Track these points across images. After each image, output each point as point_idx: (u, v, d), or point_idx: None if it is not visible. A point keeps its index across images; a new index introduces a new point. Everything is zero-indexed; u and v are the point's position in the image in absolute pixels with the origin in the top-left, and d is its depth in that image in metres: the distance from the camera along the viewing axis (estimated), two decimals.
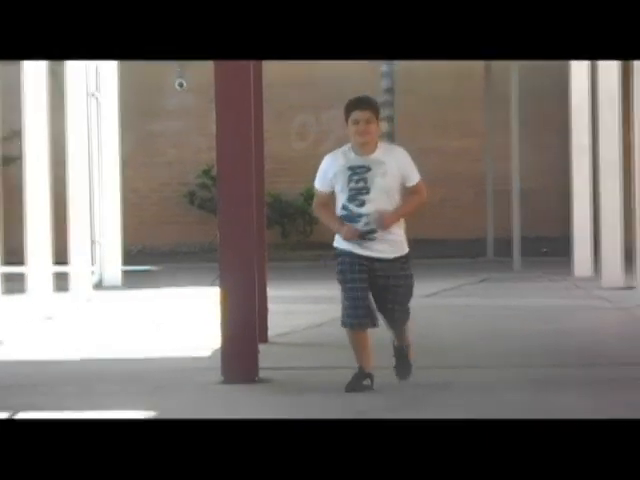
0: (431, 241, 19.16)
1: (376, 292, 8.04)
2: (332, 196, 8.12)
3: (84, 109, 15.67)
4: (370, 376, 8.00)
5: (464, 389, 8.81)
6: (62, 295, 14.06)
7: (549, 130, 17.76)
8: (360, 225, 7.92)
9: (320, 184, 8.16)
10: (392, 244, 8.05)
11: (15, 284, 12.77)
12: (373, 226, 7.90)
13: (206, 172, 18.20)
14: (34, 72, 13.23)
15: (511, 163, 17.63)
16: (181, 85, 19.84)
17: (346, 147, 8.09)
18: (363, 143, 7.96)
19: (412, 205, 8.28)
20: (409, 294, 8.25)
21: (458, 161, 19.59)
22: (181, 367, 9.91)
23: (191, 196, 19.69)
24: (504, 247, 17.86)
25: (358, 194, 7.92)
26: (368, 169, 7.90)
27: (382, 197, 7.93)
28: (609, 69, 15.18)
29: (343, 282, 8.01)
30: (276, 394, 8.55)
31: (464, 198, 19.33)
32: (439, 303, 14.11)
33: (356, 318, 7.92)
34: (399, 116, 19.61)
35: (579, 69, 16.09)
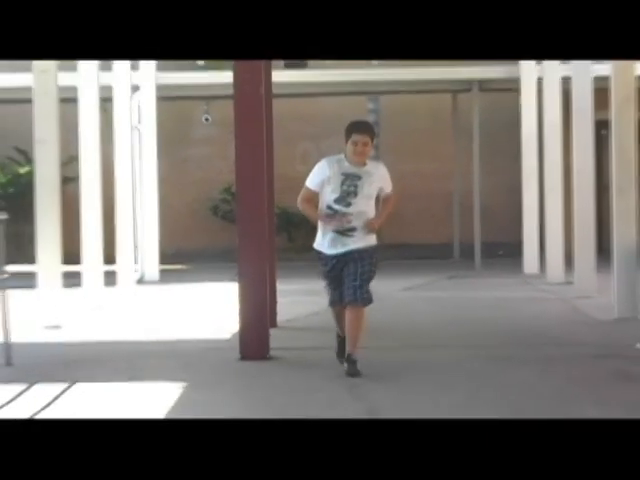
0: (409, 245, 19.19)
1: (347, 271, 7.97)
2: (316, 195, 8.03)
3: (129, 138, 15.73)
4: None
5: (435, 363, 8.90)
6: (110, 289, 14.09)
7: (504, 156, 17.76)
8: (345, 222, 7.87)
9: (310, 183, 8.04)
10: (363, 241, 7.96)
11: (72, 280, 12.79)
12: (355, 225, 7.86)
13: (227, 190, 18.16)
14: (88, 109, 13.31)
15: (473, 183, 17.71)
16: (207, 119, 19.87)
17: (340, 156, 8.02)
18: (359, 161, 7.92)
19: (388, 211, 8.26)
20: (370, 277, 8.03)
21: (431, 181, 19.59)
22: (207, 347, 9.96)
23: (215, 209, 19.64)
24: (467, 250, 17.82)
25: (347, 196, 7.84)
26: (359, 177, 7.85)
27: (364, 201, 7.91)
28: (553, 105, 15.28)
29: (326, 273, 8.09)
30: (284, 368, 8.65)
31: (436, 210, 19.34)
32: (415, 295, 14.07)
33: (336, 298, 8.07)
34: (383, 145, 19.58)
35: (528, 106, 16.15)
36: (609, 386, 7.91)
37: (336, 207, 7.86)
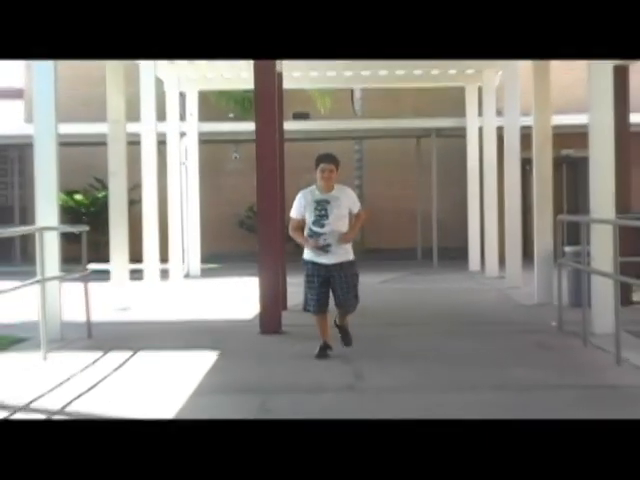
0: (384, 249, 19.18)
1: (334, 285, 7.48)
2: (302, 222, 7.57)
3: (178, 171, 15.74)
4: (329, 346, 7.60)
5: (403, 336, 8.95)
6: (164, 282, 14.10)
7: (454, 183, 17.73)
8: (321, 240, 7.44)
9: (294, 214, 7.60)
10: (341, 253, 7.49)
11: (136, 275, 12.83)
12: (330, 241, 7.42)
13: (250, 208, 18.13)
14: (148, 149, 13.33)
15: (431, 203, 17.72)
16: (236, 157, 19.92)
17: (313, 188, 7.59)
18: (326, 186, 7.48)
19: (357, 227, 7.72)
20: (355, 286, 7.57)
21: (400, 202, 19.56)
22: (235, 324, 9.96)
23: (241, 223, 19.63)
24: (427, 253, 17.82)
25: (320, 219, 7.42)
26: (328, 202, 7.43)
27: (337, 221, 7.43)
28: (490, 146, 15.30)
29: (309, 284, 7.53)
30: (292, 340, 8.64)
31: (403, 223, 19.30)
32: (387, 286, 14.06)
33: (319, 307, 7.50)
34: (365, 176, 19.65)
35: (472, 147, 16.14)
36: (531, 353, 7.94)
37: (314, 228, 7.47)
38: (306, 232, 7.56)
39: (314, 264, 7.49)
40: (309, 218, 7.49)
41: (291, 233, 7.69)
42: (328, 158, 7.57)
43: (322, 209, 7.42)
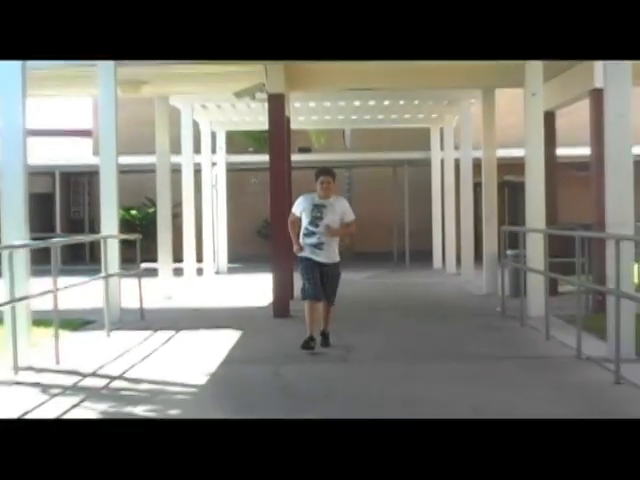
0: (368, 252, 19.14)
1: (323, 280, 6.86)
2: (298, 219, 6.98)
3: (210, 193, 15.66)
4: (314, 338, 6.78)
5: (382, 319, 8.91)
6: (199, 277, 14.03)
7: (422, 202, 17.65)
8: (315, 238, 6.81)
9: (294, 210, 7.03)
10: (332, 255, 6.91)
11: (178, 272, 12.81)
12: (322, 240, 6.81)
13: (265, 220, 18.07)
14: (187, 176, 13.33)
15: (404, 217, 17.70)
16: (254, 182, 19.90)
17: (314, 194, 6.95)
18: (324, 194, 6.89)
19: (347, 230, 7.13)
20: (337, 284, 7.03)
21: (380, 216, 19.44)
22: (254, 310, 9.89)
23: (259, 232, 19.56)
24: (401, 255, 17.78)
25: (316, 220, 6.83)
26: (324, 206, 6.85)
27: (330, 223, 6.84)
28: (449, 173, 15.28)
29: (306, 275, 6.83)
30: (298, 322, 8.44)
31: (383, 232, 19.21)
32: (371, 281, 14.00)
33: (316, 295, 6.77)
34: (353, 196, 19.58)
35: (436, 174, 16.06)
36: (480, 332, 7.93)
37: (309, 227, 6.85)
38: (302, 230, 6.97)
39: (310, 260, 6.88)
40: (306, 218, 6.90)
41: (289, 225, 7.14)
42: (325, 172, 7.06)
43: (318, 212, 6.87)
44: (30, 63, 6.66)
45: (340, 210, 6.97)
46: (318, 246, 6.86)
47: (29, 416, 4.78)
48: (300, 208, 6.96)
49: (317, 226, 6.85)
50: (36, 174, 14.90)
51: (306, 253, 6.91)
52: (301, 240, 6.91)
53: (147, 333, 7.98)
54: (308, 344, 6.71)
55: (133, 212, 19.26)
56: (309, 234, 6.90)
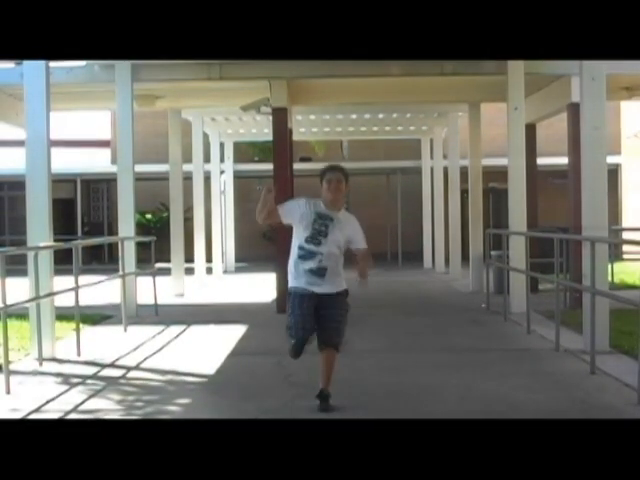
0: None
1: (323, 319, 4.52)
2: (275, 212, 4.55)
3: (218, 198, 15.65)
4: (325, 394, 4.57)
5: (377, 315, 8.86)
6: (209, 276, 13.97)
7: (413, 206, 17.64)
8: (315, 262, 4.46)
9: (286, 209, 4.59)
10: (336, 281, 4.57)
11: (189, 271, 12.79)
12: (325, 264, 4.47)
13: (270, 224, 18.06)
14: (198, 183, 13.27)
15: (397, 220, 17.72)
16: (259, 189, 19.75)
17: (318, 201, 4.56)
18: (333, 200, 4.51)
19: (367, 262, 4.63)
20: (344, 321, 4.64)
21: (375, 219, 19.34)
22: (259, 306, 9.85)
23: (263, 235, 19.41)
24: (394, 256, 17.80)
25: (318, 235, 4.48)
26: (331, 220, 4.50)
27: (333, 245, 4.50)
28: (438, 180, 15.21)
29: (292, 309, 4.53)
30: None
31: (377, 235, 19.10)
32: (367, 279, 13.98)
33: (302, 331, 4.48)
34: (350, 202, 19.36)
35: (426, 181, 15.95)
36: (467, 326, 7.92)
37: (307, 247, 4.49)
38: (294, 255, 4.56)
39: (306, 294, 4.49)
40: (304, 232, 4.52)
41: (262, 204, 4.59)
42: (334, 167, 4.72)
43: (322, 224, 4.51)
44: (54, 79, 6.67)
45: (349, 231, 4.61)
46: (319, 272, 4.51)
47: (52, 403, 4.79)
48: (298, 213, 4.56)
49: (319, 244, 4.51)
50: (59, 181, 14.91)
51: (299, 282, 4.53)
52: (291, 267, 4.60)
53: (161, 327, 7.98)
54: (324, 404, 4.50)
55: (148, 216, 19.23)
56: (306, 255, 4.51)
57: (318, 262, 4.48)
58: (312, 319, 4.50)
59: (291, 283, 4.59)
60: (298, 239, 4.57)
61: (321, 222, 4.52)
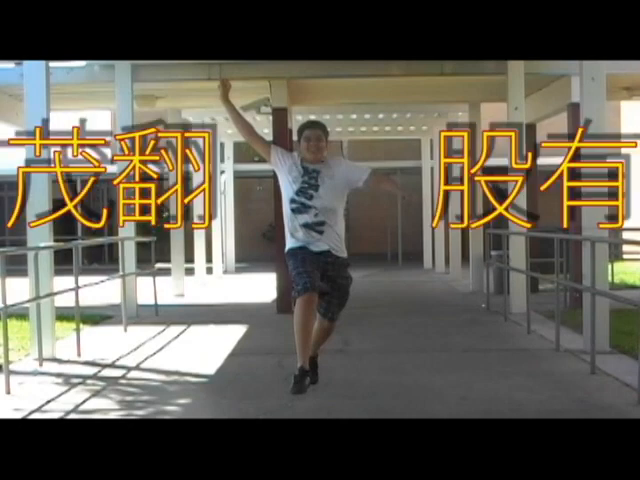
0: (364, 253, 19.10)
1: (334, 290, 4.38)
2: (261, 140, 4.56)
3: (219, 198, 15.66)
4: (308, 373, 4.26)
5: (377, 314, 8.88)
6: (209, 276, 13.98)
7: (413, 207, 17.56)
8: (311, 215, 4.20)
9: (277, 146, 4.50)
10: (336, 243, 4.27)
11: (189, 271, 12.79)
12: (322, 218, 4.20)
13: (270, 224, 17.95)
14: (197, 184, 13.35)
15: (397, 221, 17.70)
16: (259, 189, 19.87)
17: (295, 154, 4.39)
18: (314, 159, 4.29)
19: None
20: (347, 294, 4.51)
21: (375, 221, 19.46)
22: (259, 306, 9.84)
23: (263, 235, 19.48)
24: (394, 256, 17.81)
25: (309, 188, 4.20)
26: (318, 172, 4.24)
27: (327, 198, 4.21)
28: (437, 180, 15.27)
29: (295, 262, 4.26)
30: None
31: (378, 235, 19.24)
32: (367, 279, 13.85)
33: (310, 283, 4.14)
34: (351, 202, 19.53)
35: (426, 181, 15.94)
36: (467, 326, 7.93)
37: (298, 199, 4.23)
38: (287, 211, 4.30)
39: (304, 251, 4.24)
40: (293, 184, 4.23)
41: (241, 123, 4.64)
42: (313, 123, 4.45)
43: (312, 178, 4.23)
44: (54, 79, 6.66)
45: (343, 173, 4.28)
46: (316, 227, 4.21)
47: (52, 404, 4.79)
48: (288, 162, 4.33)
49: (311, 198, 4.20)
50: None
51: (297, 241, 4.28)
52: (287, 226, 4.35)
53: (161, 327, 7.98)
54: (300, 384, 4.12)
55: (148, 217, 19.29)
56: (300, 208, 4.22)
57: (314, 216, 4.21)
58: (318, 274, 4.16)
59: (289, 245, 4.31)
60: (287, 193, 4.31)
61: (310, 176, 4.26)
